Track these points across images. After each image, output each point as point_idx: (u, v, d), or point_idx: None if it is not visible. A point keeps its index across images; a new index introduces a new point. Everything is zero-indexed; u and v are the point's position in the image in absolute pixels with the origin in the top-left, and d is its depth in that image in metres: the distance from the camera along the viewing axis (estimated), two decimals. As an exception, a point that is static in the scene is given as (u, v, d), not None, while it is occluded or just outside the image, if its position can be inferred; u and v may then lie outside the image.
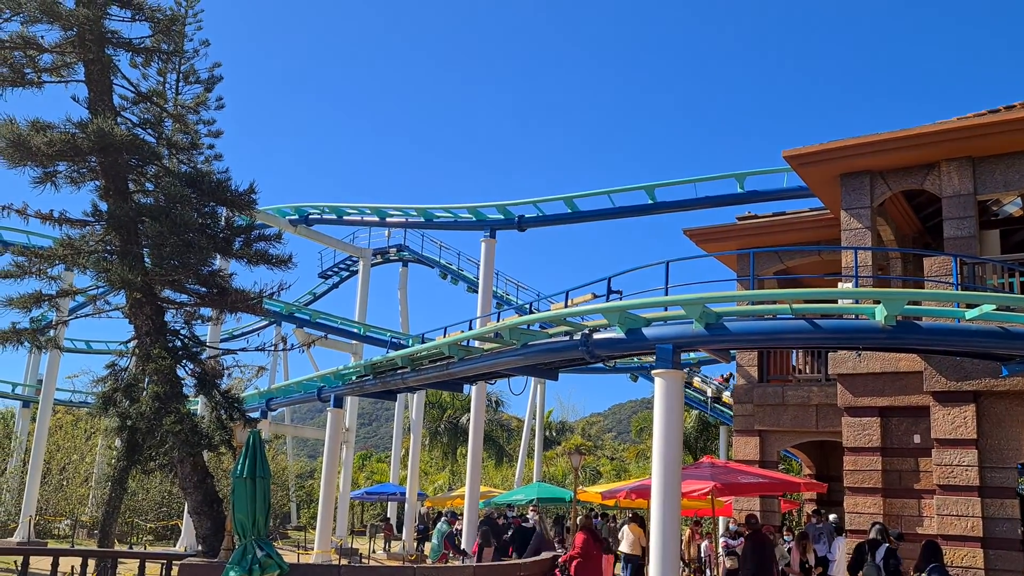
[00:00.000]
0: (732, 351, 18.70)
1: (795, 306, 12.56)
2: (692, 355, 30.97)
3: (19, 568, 19.01)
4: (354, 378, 22.73)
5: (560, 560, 16.78)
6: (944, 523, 14.13)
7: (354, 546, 33.32)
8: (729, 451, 34.51)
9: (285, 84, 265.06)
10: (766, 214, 20.87)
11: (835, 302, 13.16)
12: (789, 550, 17.15)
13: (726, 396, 35.72)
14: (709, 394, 36.33)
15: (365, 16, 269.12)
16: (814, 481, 19.84)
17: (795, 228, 19.79)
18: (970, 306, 11.99)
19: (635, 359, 31.68)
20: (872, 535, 12.64)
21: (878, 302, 11.94)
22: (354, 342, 32.98)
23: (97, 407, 17.82)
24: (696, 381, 36.30)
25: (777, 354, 20.12)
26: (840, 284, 15.06)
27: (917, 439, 15.25)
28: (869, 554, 12.31)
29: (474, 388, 24.91)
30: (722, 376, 37.11)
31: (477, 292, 28.82)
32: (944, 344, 12.44)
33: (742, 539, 16.22)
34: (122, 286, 16.98)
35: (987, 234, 16.26)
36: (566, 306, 15.87)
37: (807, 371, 19.99)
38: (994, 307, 11.50)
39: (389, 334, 33.38)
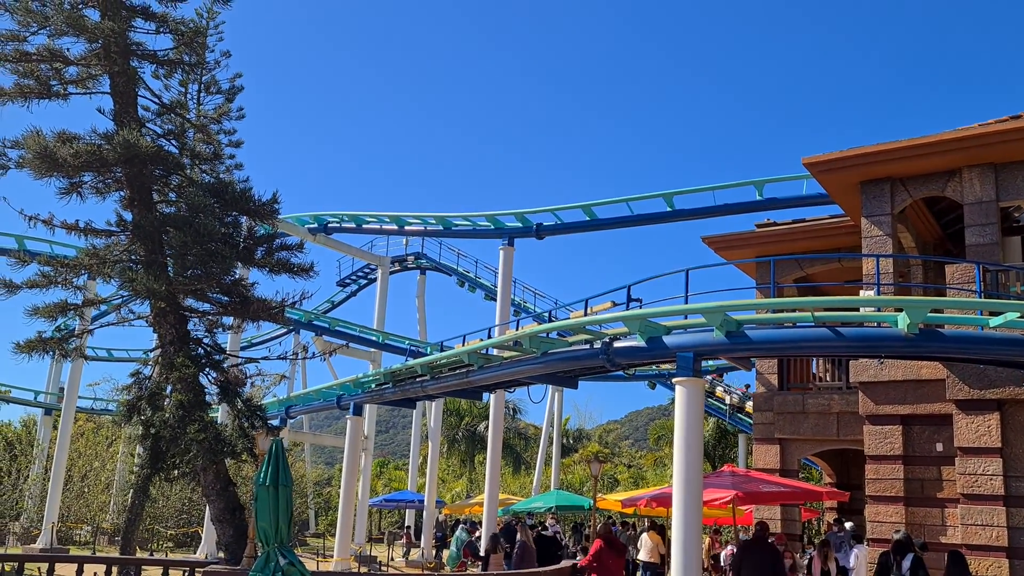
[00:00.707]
0: (752, 359, 18.65)
1: (816, 314, 12.53)
2: (711, 363, 30.87)
3: (44, 575, 19.18)
4: (374, 386, 22.82)
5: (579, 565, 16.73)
6: (968, 533, 14.03)
7: (372, 553, 33.40)
8: (748, 459, 34.34)
9: (299, 89, 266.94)
10: (785, 221, 20.81)
11: (856, 310, 13.10)
12: (810, 559, 17.07)
13: (749, 406, 35.57)
14: (728, 402, 36.17)
15: (379, 21, 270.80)
16: (836, 490, 19.68)
17: (815, 235, 19.71)
18: (993, 314, 11.93)
19: (653, 367, 31.62)
20: (898, 537, 12.55)
21: (900, 310, 11.89)
22: (373, 350, 33.13)
23: (121, 415, 18.00)
24: (719, 391, 36.17)
25: (797, 362, 20.03)
26: (861, 292, 15.01)
27: (940, 447, 15.16)
28: (895, 564, 12.21)
29: (493, 396, 24.96)
30: (746, 386, 37.05)
31: (495, 300, 28.90)
32: (968, 352, 12.39)
33: None
34: (147, 295, 17.19)
35: (1009, 240, 16.16)
36: (586, 314, 15.93)
37: (828, 379, 19.88)
38: (1018, 315, 11.43)
39: (407, 342, 33.54)
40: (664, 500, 16.28)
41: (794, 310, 14.09)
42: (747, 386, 36.98)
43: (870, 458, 15.71)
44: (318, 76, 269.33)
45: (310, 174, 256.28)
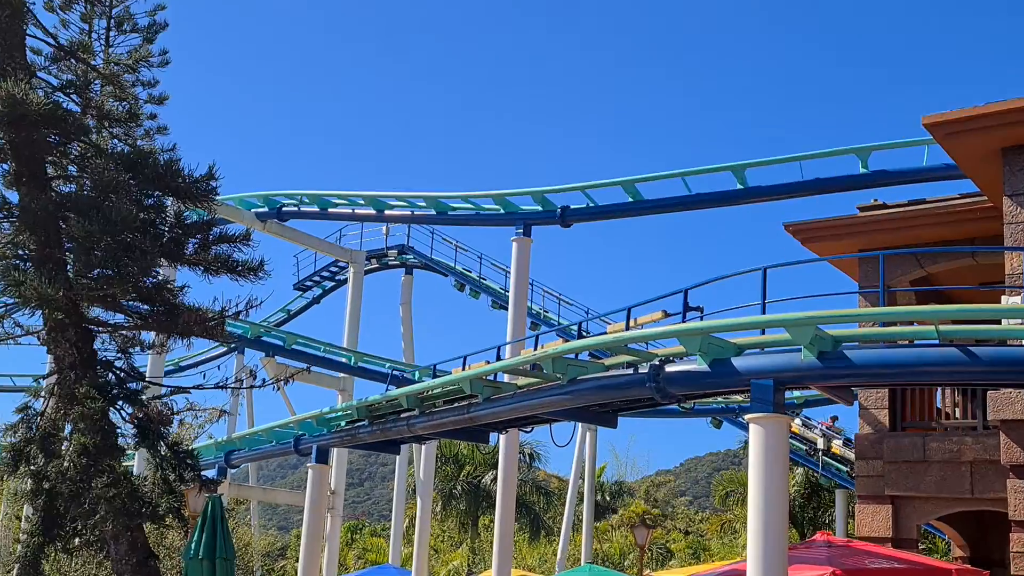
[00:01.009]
0: (855, 389, 18.55)
1: (942, 328, 12.43)
2: (797, 393, 30.79)
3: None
4: (343, 424, 22.88)
5: None
6: None
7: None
8: (849, 525, 34.19)
9: (249, 45, 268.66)
10: (899, 202, 20.75)
11: (998, 322, 13.02)
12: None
13: (836, 446, 35.54)
14: (819, 445, 36.15)
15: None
16: (969, 567, 19.58)
17: (939, 221, 19.66)
18: None
19: (719, 398, 31.51)
20: None
21: (1058, 323, 11.80)
22: (342, 375, 33.21)
23: (4, 464, 18.05)
24: (795, 426, 36.09)
25: (916, 393, 19.92)
26: (1004, 298, 14.90)
27: (1112, 509, 15.03)
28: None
29: (503, 438, 24.89)
30: (831, 418, 36.94)
31: (505, 308, 28.92)
32: None
33: None
34: (39, 304, 17.19)
35: None
36: (628, 328, 15.93)
37: (957, 416, 19.78)
38: None
39: (389, 365, 33.60)
40: (735, 580, 16.23)
41: (912, 323, 13.98)
42: (834, 418, 36.93)
43: (1016, 524, 15.59)
44: (273, 29, 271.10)
45: (264, 151, 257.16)
